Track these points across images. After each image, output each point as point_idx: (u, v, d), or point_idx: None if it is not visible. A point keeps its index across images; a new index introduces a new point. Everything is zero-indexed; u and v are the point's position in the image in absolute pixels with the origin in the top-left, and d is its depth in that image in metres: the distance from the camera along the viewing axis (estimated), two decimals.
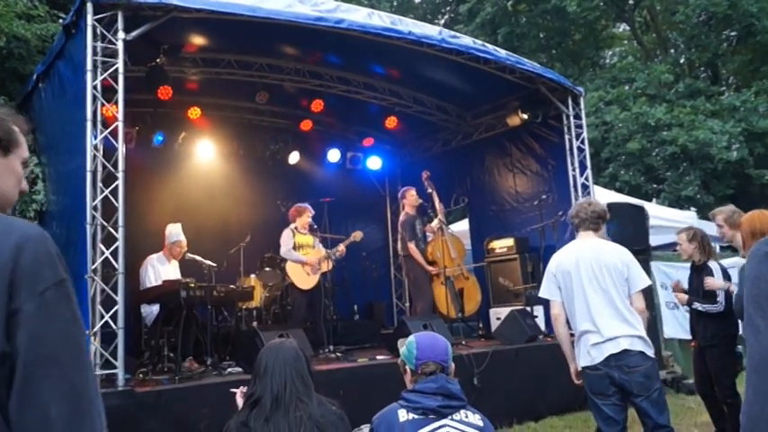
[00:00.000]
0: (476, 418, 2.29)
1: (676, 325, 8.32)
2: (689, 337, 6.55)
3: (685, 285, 5.17)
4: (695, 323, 5.01)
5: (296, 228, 7.20)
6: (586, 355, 3.72)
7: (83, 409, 1.15)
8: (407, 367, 2.45)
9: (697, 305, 4.87)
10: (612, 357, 3.61)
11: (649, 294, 8.09)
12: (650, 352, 3.68)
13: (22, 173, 1.41)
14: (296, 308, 7.15)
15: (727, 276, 4.87)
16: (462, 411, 2.29)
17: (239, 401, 2.79)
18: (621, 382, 3.61)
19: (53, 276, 1.17)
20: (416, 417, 2.24)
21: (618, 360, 3.60)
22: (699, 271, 4.96)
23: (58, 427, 1.10)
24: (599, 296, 3.73)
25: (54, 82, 6.10)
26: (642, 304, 3.80)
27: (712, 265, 4.89)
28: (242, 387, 2.87)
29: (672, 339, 8.29)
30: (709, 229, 5.46)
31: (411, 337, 2.54)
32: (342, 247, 7.23)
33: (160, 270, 6.54)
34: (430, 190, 8.13)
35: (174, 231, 6.75)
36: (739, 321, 4.61)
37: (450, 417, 2.26)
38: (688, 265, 5.24)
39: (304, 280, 7.03)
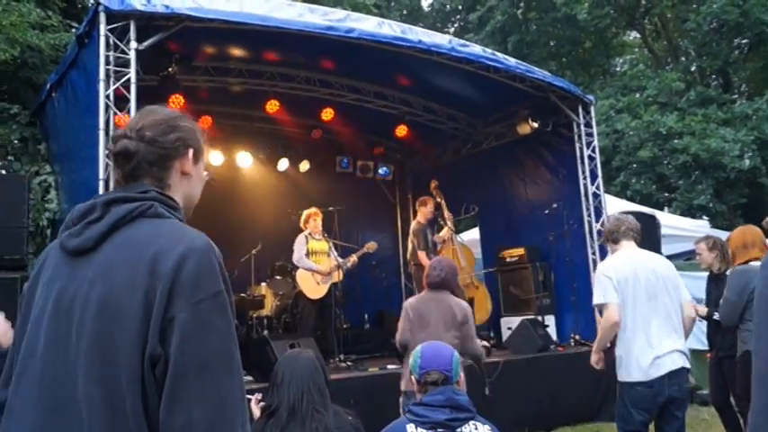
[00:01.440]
0: (485, 429, 2.27)
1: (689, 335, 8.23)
2: (702, 347, 6.48)
3: (700, 296, 5.12)
4: (713, 333, 4.95)
5: (309, 234, 7.18)
6: (639, 370, 3.66)
7: (226, 417, 1.18)
8: (413, 377, 2.44)
9: (717, 316, 4.82)
10: (668, 375, 3.62)
11: None
12: (688, 364, 3.76)
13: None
14: (305, 317, 7.13)
15: None
16: (471, 423, 2.27)
17: (254, 409, 2.79)
18: (671, 398, 3.64)
19: (211, 287, 1.23)
20: (425, 431, 2.23)
21: (671, 377, 3.63)
22: (718, 281, 4.91)
23: (200, 430, 1.14)
24: (656, 308, 3.72)
25: (67, 91, 6.15)
26: (694, 312, 3.95)
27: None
28: (256, 394, 2.87)
29: None
30: (724, 238, 5.41)
31: (417, 347, 2.54)
32: (354, 258, 7.20)
33: None
34: (439, 199, 8.12)
35: None
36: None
37: (459, 429, 2.24)
38: (699, 274, 5.20)
39: (314, 289, 7.01)
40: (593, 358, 4.04)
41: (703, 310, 4.96)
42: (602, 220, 7.70)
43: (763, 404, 1.16)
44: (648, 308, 3.72)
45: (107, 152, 4.96)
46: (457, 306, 4.19)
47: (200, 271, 1.22)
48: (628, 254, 3.93)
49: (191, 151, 1.47)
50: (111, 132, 5.04)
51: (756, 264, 4.24)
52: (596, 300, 3.87)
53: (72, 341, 1.23)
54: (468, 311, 4.19)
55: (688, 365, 3.72)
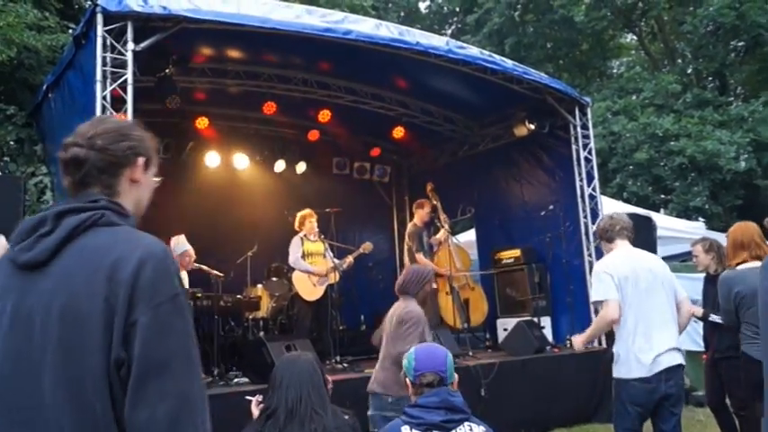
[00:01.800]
0: (480, 430, 2.28)
1: (684, 336, 8.23)
2: (697, 348, 6.49)
3: (696, 298, 5.13)
4: (710, 335, 4.97)
5: (305, 235, 7.18)
6: (638, 367, 3.70)
7: (187, 411, 1.25)
8: (407, 379, 2.45)
9: (714, 317, 4.83)
10: (665, 371, 3.67)
11: None
12: (683, 361, 3.82)
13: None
14: (301, 318, 7.12)
15: None
16: (466, 424, 2.28)
17: (254, 410, 2.79)
18: (667, 395, 3.68)
19: (169, 291, 1.29)
20: None
21: (669, 373, 3.68)
22: (714, 282, 4.93)
23: (163, 425, 1.21)
24: (655, 307, 3.77)
25: (64, 92, 6.14)
26: (693, 309, 4.06)
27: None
28: (258, 396, 2.87)
29: None
30: (720, 239, 5.43)
31: (411, 349, 2.54)
32: (350, 259, 7.20)
33: None
34: (435, 202, 8.13)
35: (180, 243, 6.75)
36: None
37: (453, 431, 2.25)
38: (695, 276, 5.21)
39: (310, 291, 7.01)
40: (579, 339, 4.12)
41: (699, 311, 4.98)
42: (597, 221, 7.70)
43: None
44: (647, 306, 3.76)
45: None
46: (399, 309, 4.10)
47: (157, 276, 1.28)
48: (625, 252, 3.96)
49: (141, 160, 1.50)
50: None
51: (744, 266, 4.26)
52: (596, 297, 3.89)
53: (34, 350, 1.26)
54: (408, 316, 3.97)
55: (684, 362, 3.77)
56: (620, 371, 3.79)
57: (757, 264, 4.01)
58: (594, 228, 7.59)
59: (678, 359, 3.74)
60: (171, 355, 1.25)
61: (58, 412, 1.22)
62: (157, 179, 1.59)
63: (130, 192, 1.49)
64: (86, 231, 1.34)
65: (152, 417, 1.20)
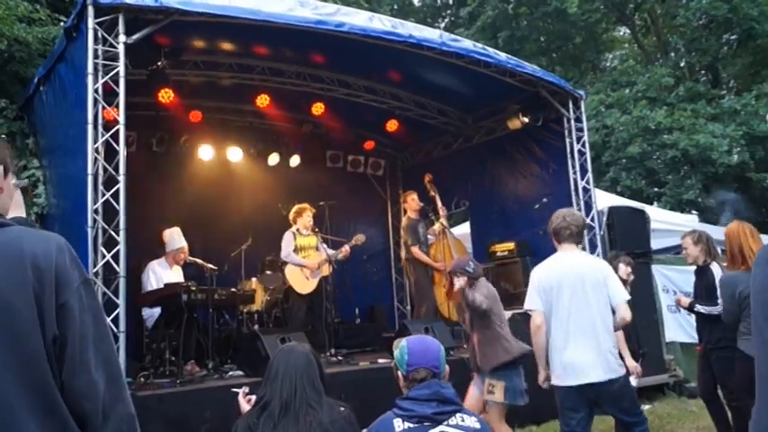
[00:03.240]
0: (472, 421, 2.28)
1: (678, 328, 8.31)
2: (691, 340, 6.53)
3: (689, 290, 5.17)
4: (701, 326, 5.00)
5: (297, 230, 7.18)
6: (565, 375, 3.81)
7: (114, 373, 1.52)
8: (399, 372, 2.44)
9: (699, 308, 4.87)
10: (589, 386, 3.75)
11: (651, 298, 8.09)
12: (615, 374, 3.78)
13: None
14: (296, 311, 7.13)
15: None
16: (458, 415, 2.28)
17: (242, 402, 2.78)
18: (595, 400, 3.81)
19: (83, 275, 1.50)
20: (412, 425, 2.23)
21: (595, 388, 3.76)
22: (703, 274, 4.96)
23: (101, 386, 1.45)
24: (580, 315, 3.79)
25: (55, 85, 6.10)
26: (629, 314, 3.88)
27: (714, 267, 4.88)
28: (243, 388, 2.86)
29: (674, 343, 8.28)
30: (712, 232, 5.45)
31: (403, 341, 2.52)
32: (347, 248, 7.20)
33: (162, 275, 6.53)
34: (432, 193, 8.14)
35: (176, 237, 6.73)
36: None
37: (445, 422, 2.24)
38: (688, 268, 5.24)
39: (303, 284, 7.01)
40: (541, 376, 4.06)
41: (686, 300, 5.03)
42: (591, 214, 7.74)
43: None
44: (572, 314, 3.80)
45: (96, 146, 4.94)
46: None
47: (71, 263, 1.47)
48: (560, 259, 3.99)
49: (1, 168, 1.55)
50: (99, 126, 5.01)
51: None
52: (525, 306, 4.02)
53: None
54: None
55: (611, 377, 3.76)
56: (553, 377, 3.91)
57: None
58: (589, 221, 7.64)
59: (603, 374, 3.73)
60: (95, 328, 1.47)
61: (7, 395, 1.34)
62: (17, 183, 1.66)
63: None
64: None
65: (91, 380, 1.43)
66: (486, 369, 4.53)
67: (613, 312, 3.88)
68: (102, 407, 1.44)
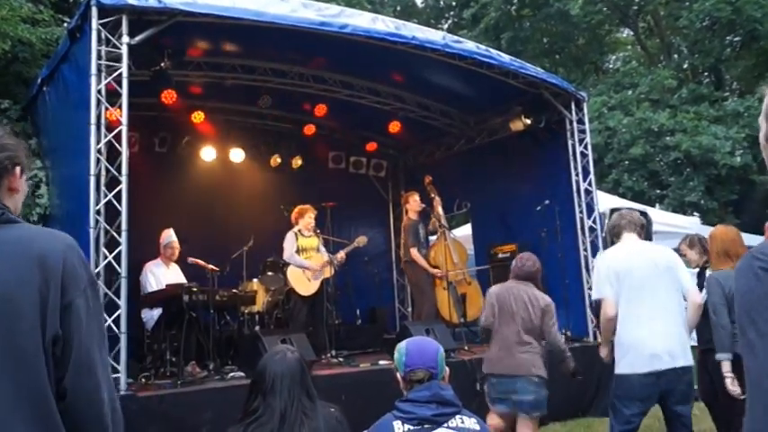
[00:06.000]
0: (472, 422, 2.28)
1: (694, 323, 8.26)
2: (692, 342, 6.49)
3: None
4: (702, 326, 4.96)
5: (299, 231, 7.17)
6: (635, 362, 3.71)
7: (110, 375, 1.53)
8: (398, 374, 2.44)
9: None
10: (665, 371, 3.68)
11: None
12: (691, 360, 3.79)
13: None
14: (297, 313, 7.11)
15: None
16: (458, 417, 2.27)
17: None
18: (667, 391, 3.70)
19: (89, 276, 1.50)
20: (412, 428, 2.22)
21: (668, 375, 3.69)
22: (699, 275, 4.95)
23: (104, 387, 1.46)
24: (652, 299, 3.75)
25: (58, 86, 6.11)
26: (700, 298, 4.00)
27: (708, 270, 4.87)
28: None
29: None
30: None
31: (402, 343, 2.53)
32: (342, 254, 7.19)
33: (160, 275, 6.54)
34: (432, 195, 8.13)
35: (166, 235, 6.78)
36: None
37: (445, 424, 2.24)
38: (692, 270, 5.21)
39: (305, 286, 7.00)
40: (602, 352, 4.15)
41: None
42: (593, 216, 7.73)
43: (761, 408, 1.16)
44: (644, 299, 3.74)
45: (99, 147, 4.95)
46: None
47: (79, 263, 1.47)
48: (626, 246, 3.96)
49: (18, 168, 1.56)
50: (102, 127, 5.02)
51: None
52: (594, 295, 3.96)
53: None
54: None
55: (687, 364, 3.72)
56: (619, 365, 3.81)
57: None
58: (591, 224, 7.63)
59: (675, 361, 3.69)
60: (98, 331, 1.49)
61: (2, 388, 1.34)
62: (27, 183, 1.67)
63: (11, 199, 1.56)
64: None
65: (97, 383, 1.43)
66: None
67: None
68: (105, 410, 1.45)
